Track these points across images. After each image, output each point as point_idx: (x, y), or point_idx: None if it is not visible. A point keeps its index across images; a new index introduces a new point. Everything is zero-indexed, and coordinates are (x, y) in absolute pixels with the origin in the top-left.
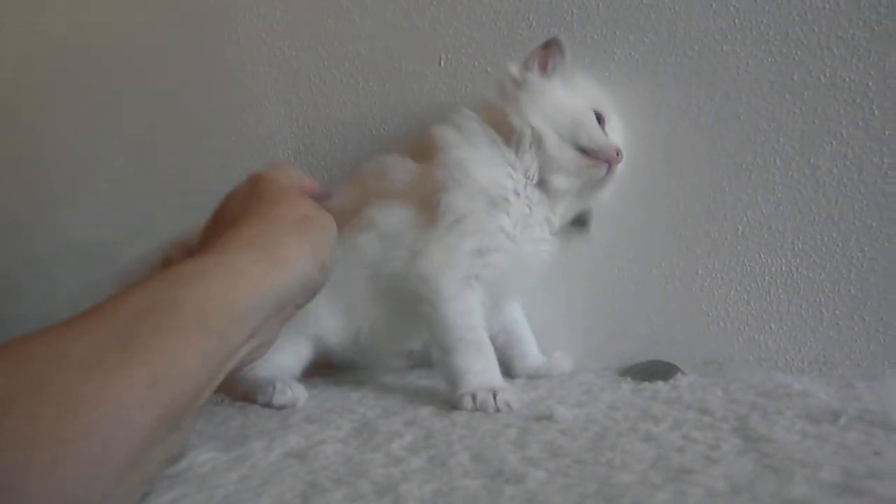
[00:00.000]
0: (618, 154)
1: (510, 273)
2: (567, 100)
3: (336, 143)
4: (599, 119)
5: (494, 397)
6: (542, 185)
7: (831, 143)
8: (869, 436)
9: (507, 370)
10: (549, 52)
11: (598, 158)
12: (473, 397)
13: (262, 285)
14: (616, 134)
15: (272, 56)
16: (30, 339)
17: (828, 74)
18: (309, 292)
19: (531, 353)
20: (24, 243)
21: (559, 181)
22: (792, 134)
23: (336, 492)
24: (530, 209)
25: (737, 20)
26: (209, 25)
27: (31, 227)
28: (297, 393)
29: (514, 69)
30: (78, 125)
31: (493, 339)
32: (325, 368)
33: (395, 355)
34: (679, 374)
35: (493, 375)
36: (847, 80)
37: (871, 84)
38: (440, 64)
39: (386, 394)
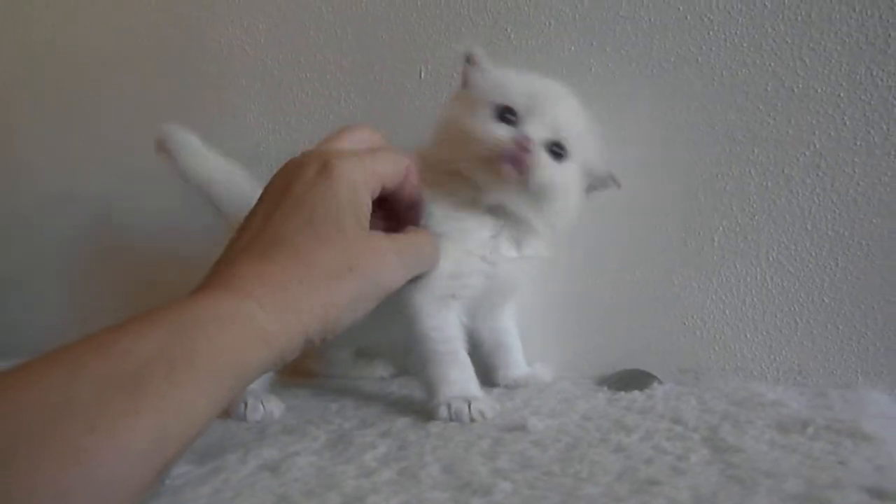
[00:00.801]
0: (521, 143)
1: (486, 291)
2: (462, 111)
3: None
4: (509, 112)
5: (469, 407)
6: (493, 208)
7: (804, 153)
8: (835, 445)
9: (488, 379)
10: (464, 68)
11: (498, 160)
12: (448, 406)
13: (274, 345)
14: (541, 123)
15: (255, 68)
16: (36, 376)
17: (801, 85)
18: (307, 348)
19: (515, 362)
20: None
21: (490, 198)
22: (766, 144)
23: None
24: (494, 233)
25: (711, 32)
26: (192, 38)
27: (10, 232)
28: (271, 407)
29: None
30: (59, 138)
31: (480, 346)
32: (305, 377)
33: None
34: (655, 384)
35: (469, 385)
36: (819, 90)
37: (842, 95)
38: (420, 76)
39: (365, 404)
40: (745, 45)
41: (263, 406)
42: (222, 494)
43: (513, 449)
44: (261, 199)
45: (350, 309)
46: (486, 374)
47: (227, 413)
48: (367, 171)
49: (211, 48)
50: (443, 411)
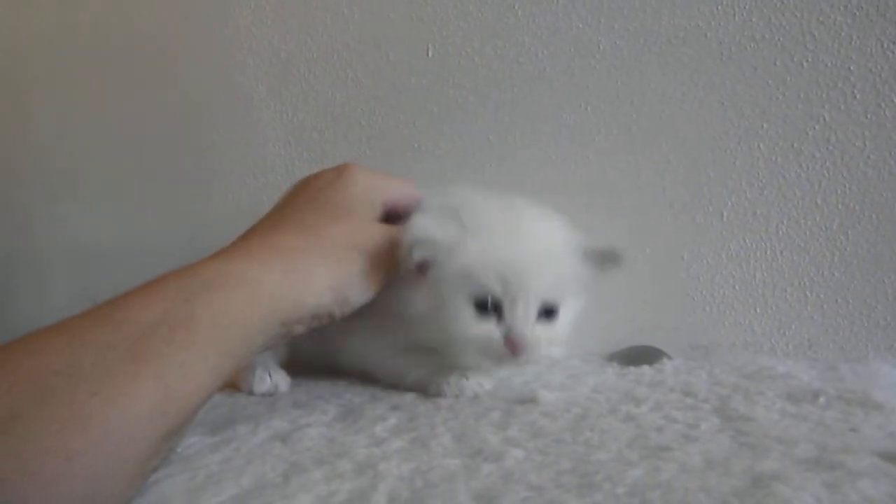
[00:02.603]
0: (517, 343)
1: None
2: (433, 307)
3: (326, 135)
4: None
5: (467, 380)
6: None
7: (814, 127)
8: (847, 414)
9: None
10: (418, 262)
11: (493, 355)
12: (449, 384)
13: (279, 308)
14: (526, 303)
15: (262, 49)
16: (38, 344)
17: (810, 59)
18: (319, 320)
19: None
20: (12, 242)
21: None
22: (775, 119)
23: (316, 471)
24: None
25: (720, 7)
26: (199, 20)
27: (20, 226)
28: (278, 379)
29: None
30: (67, 122)
31: None
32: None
33: None
34: (665, 359)
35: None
36: (829, 64)
37: (852, 68)
38: (428, 55)
39: (375, 381)
40: (753, 19)
41: (270, 377)
42: (234, 462)
43: (524, 419)
44: (280, 200)
45: (359, 284)
46: None
47: (235, 387)
48: (377, 182)
49: (217, 29)
50: (445, 388)
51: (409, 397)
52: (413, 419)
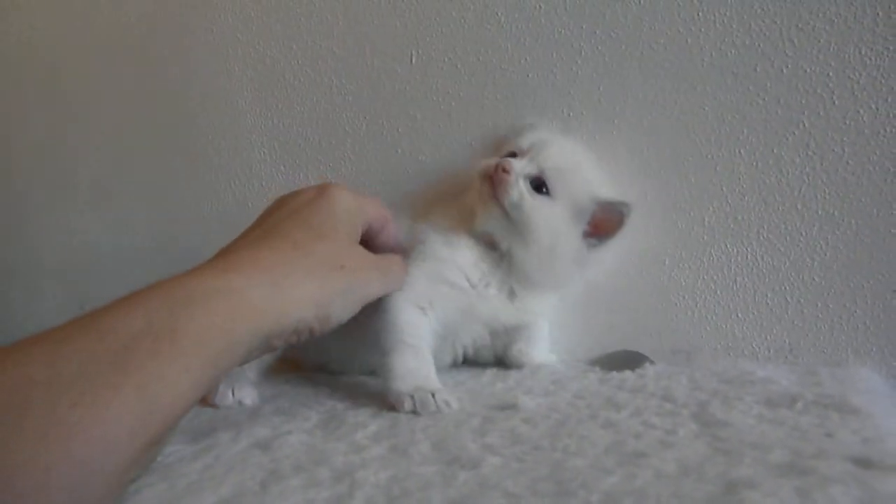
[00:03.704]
0: (501, 165)
1: (462, 317)
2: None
3: (311, 141)
4: (513, 156)
5: (434, 397)
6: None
7: (794, 132)
8: (823, 419)
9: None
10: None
11: (482, 182)
12: (412, 397)
13: (262, 323)
14: (530, 161)
15: (247, 55)
16: (20, 354)
17: (790, 66)
18: (298, 336)
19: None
20: (5, 247)
21: (479, 223)
22: (755, 125)
23: (295, 478)
24: (479, 262)
25: (700, 13)
26: (184, 25)
27: (13, 231)
28: (242, 395)
29: None
30: (53, 127)
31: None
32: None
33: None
34: (647, 364)
35: (430, 376)
36: (808, 70)
37: (831, 74)
38: (411, 61)
39: (358, 388)
40: (734, 25)
41: (233, 393)
42: (213, 470)
43: (503, 426)
44: (259, 216)
45: (341, 303)
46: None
47: (204, 399)
48: (358, 204)
49: (203, 35)
50: (406, 402)
51: None
52: (394, 426)
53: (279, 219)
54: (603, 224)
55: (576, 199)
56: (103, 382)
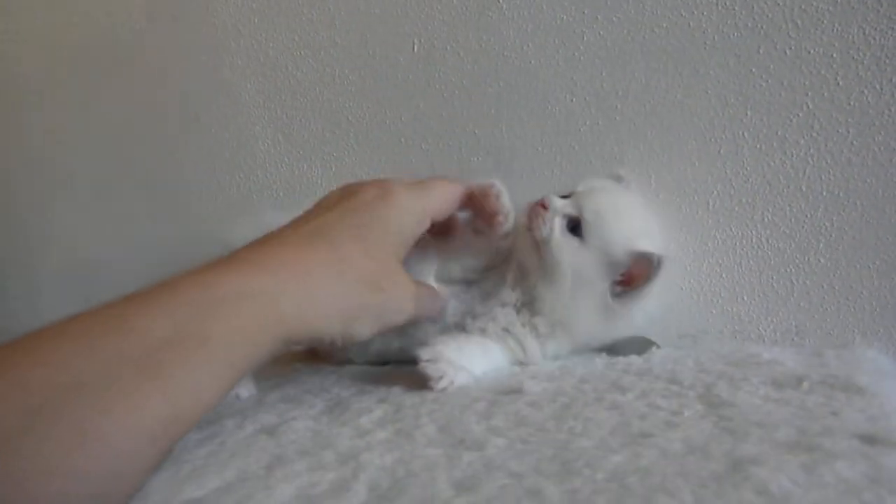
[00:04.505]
0: (541, 202)
1: None
2: None
3: (314, 132)
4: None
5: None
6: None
7: (798, 114)
8: (829, 398)
9: None
10: None
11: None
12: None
13: (288, 331)
14: (572, 203)
15: (249, 47)
16: (46, 352)
17: (793, 47)
18: (318, 343)
19: None
20: (4, 246)
21: (517, 253)
22: (759, 107)
23: (299, 462)
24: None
25: None
26: (186, 18)
27: (12, 230)
28: (240, 388)
29: None
30: (55, 124)
31: None
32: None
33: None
34: (654, 349)
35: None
36: (812, 52)
37: (835, 55)
38: (413, 50)
39: (364, 376)
40: (736, 7)
41: None
42: (219, 456)
43: (508, 409)
44: (317, 203)
45: (368, 324)
46: None
47: None
48: (421, 207)
49: (205, 27)
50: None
51: (397, 390)
52: (399, 410)
53: (333, 220)
54: (634, 277)
55: (609, 248)
56: (129, 388)
